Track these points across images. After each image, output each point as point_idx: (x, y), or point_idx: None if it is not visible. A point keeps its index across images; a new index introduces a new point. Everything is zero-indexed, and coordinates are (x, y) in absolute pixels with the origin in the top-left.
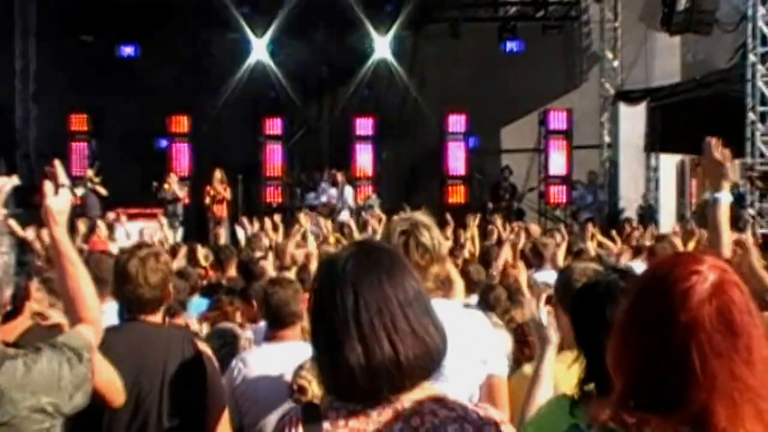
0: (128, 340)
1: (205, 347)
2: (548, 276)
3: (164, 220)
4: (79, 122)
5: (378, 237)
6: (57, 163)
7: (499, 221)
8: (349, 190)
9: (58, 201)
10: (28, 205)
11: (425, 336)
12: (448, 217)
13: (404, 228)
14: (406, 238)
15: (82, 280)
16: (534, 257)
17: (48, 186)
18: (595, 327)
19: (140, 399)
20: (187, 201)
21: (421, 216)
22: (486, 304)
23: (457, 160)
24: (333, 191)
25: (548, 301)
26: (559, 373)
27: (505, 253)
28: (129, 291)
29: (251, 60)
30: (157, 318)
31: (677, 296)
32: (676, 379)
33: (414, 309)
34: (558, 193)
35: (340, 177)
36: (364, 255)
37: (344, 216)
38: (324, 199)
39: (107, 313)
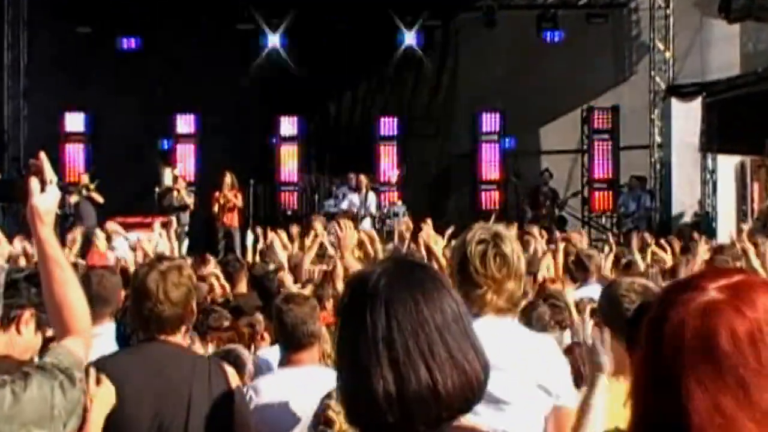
0: (148, 362)
1: (233, 375)
2: (594, 291)
3: (159, 229)
4: (74, 122)
5: (405, 245)
6: (43, 156)
7: (536, 230)
8: (372, 197)
9: (45, 199)
10: (10, 199)
11: (465, 363)
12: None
13: (484, 237)
14: (485, 248)
15: (71, 286)
16: (578, 270)
17: (33, 182)
18: None
19: (162, 431)
20: (192, 208)
21: (502, 227)
22: (527, 325)
23: (491, 163)
24: (355, 197)
25: (592, 314)
26: (611, 405)
27: (546, 266)
28: (148, 308)
29: (264, 53)
30: (177, 338)
31: (670, 313)
32: (666, 407)
33: (453, 333)
34: (603, 199)
35: (364, 181)
36: (399, 272)
37: (366, 224)
38: (344, 206)
39: (104, 335)
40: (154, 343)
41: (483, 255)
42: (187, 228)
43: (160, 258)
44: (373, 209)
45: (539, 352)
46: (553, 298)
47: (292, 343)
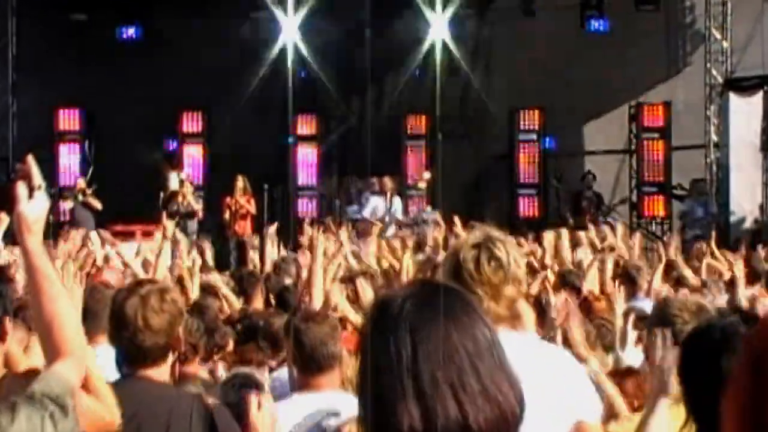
0: (123, 403)
1: (225, 415)
2: (643, 307)
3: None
4: (69, 120)
5: (440, 255)
6: (30, 160)
7: (585, 236)
8: (397, 201)
9: (33, 206)
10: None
11: (498, 395)
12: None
13: (476, 241)
14: (478, 252)
15: (61, 302)
16: (625, 282)
17: (21, 188)
18: (709, 383)
19: None
20: (201, 215)
21: (495, 230)
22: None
23: (530, 164)
24: (380, 202)
25: (635, 325)
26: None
27: (591, 279)
28: (126, 338)
29: (279, 45)
30: (161, 372)
31: None
32: None
33: (485, 362)
34: (653, 204)
35: (388, 184)
36: (425, 296)
37: (390, 233)
38: (367, 213)
39: (101, 358)
40: (131, 380)
41: (477, 259)
42: (195, 236)
43: (140, 282)
44: (399, 215)
45: (552, 363)
46: (599, 317)
47: (311, 365)
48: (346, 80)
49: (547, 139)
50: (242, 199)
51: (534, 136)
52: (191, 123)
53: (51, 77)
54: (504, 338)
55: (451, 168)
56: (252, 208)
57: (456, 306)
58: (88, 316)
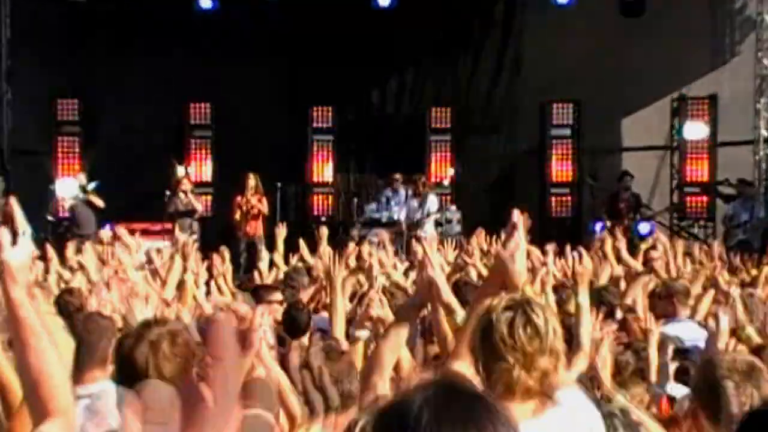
0: None
1: None
2: (683, 330)
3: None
4: (68, 110)
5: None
6: (13, 202)
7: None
8: (432, 198)
9: (16, 254)
10: None
11: None
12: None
13: (512, 303)
14: (513, 315)
15: (48, 357)
16: (663, 299)
17: (4, 234)
18: None
19: None
20: (206, 213)
21: (534, 295)
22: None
23: (562, 161)
24: (413, 201)
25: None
26: None
27: (634, 295)
28: (137, 386)
29: (294, 30)
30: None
31: None
32: None
33: None
34: (697, 206)
35: (422, 183)
36: (444, 401)
37: (428, 230)
38: (386, 213)
39: (103, 399)
40: None
41: (511, 323)
42: (197, 237)
43: (148, 323)
44: (433, 208)
45: None
46: (639, 340)
47: (326, 404)
48: (366, 70)
49: (582, 135)
50: (253, 199)
51: (567, 131)
52: (198, 114)
53: (48, 63)
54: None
55: (478, 165)
56: (264, 207)
57: (479, 412)
58: (82, 348)
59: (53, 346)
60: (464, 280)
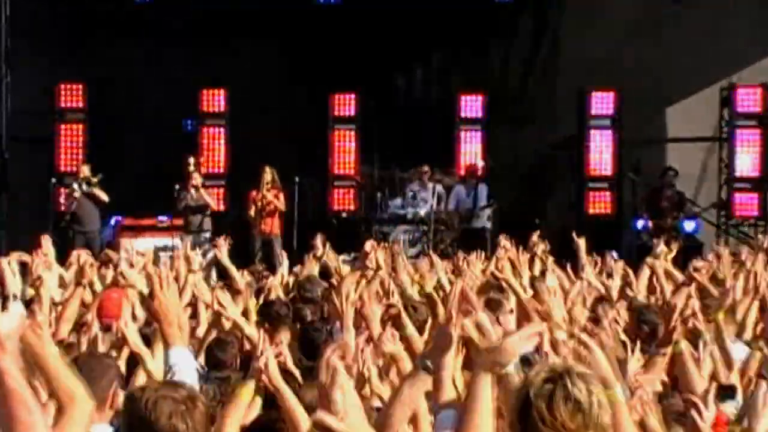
0: None
1: None
2: (735, 352)
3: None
4: (72, 95)
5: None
6: (4, 265)
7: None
8: (483, 189)
9: (6, 321)
10: None
11: None
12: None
13: (550, 375)
14: (552, 389)
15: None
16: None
17: None
18: None
19: None
20: (221, 208)
21: (576, 365)
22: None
23: (602, 154)
24: (461, 190)
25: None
26: None
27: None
28: None
29: (315, 11)
30: None
31: None
32: None
33: None
34: (747, 203)
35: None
36: None
37: (483, 221)
38: (411, 209)
39: None
40: None
41: (550, 398)
42: (210, 236)
43: (161, 385)
44: (483, 201)
45: None
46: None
47: None
48: (391, 54)
49: (623, 125)
50: (269, 194)
51: (607, 122)
52: (211, 101)
53: (50, 46)
54: None
55: (511, 156)
56: (281, 204)
57: None
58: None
59: (43, 419)
60: (497, 299)
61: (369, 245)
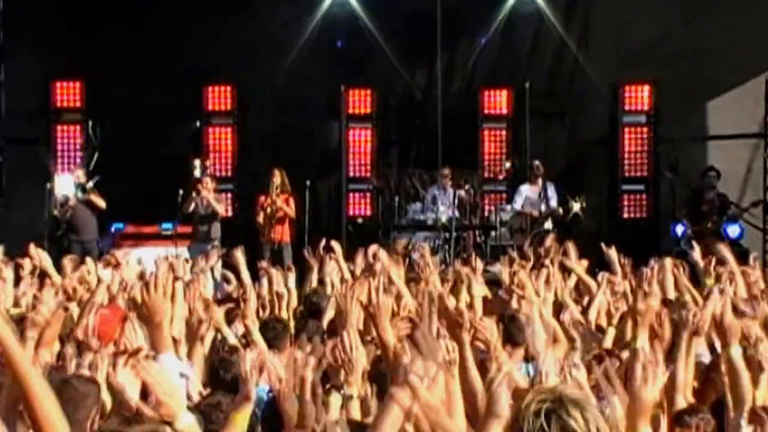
0: None
1: None
2: None
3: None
4: (69, 94)
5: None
6: None
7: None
8: (552, 190)
9: None
10: None
11: None
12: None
13: (540, 406)
14: (546, 422)
15: None
16: None
17: None
18: None
19: None
20: (228, 215)
21: (570, 391)
22: None
23: (636, 151)
24: (532, 191)
25: None
26: None
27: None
28: None
29: (327, 2)
30: None
31: None
32: None
33: None
34: None
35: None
36: None
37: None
38: (431, 214)
39: None
40: None
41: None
42: (218, 244)
43: (131, 419)
44: (554, 203)
45: None
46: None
47: None
48: (410, 45)
49: (659, 121)
50: (279, 199)
51: (643, 118)
52: (219, 100)
53: (46, 42)
54: None
55: (539, 155)
56: (290, 210)
57: None
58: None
59: None
60: (510, 314)
61: (372, 250)
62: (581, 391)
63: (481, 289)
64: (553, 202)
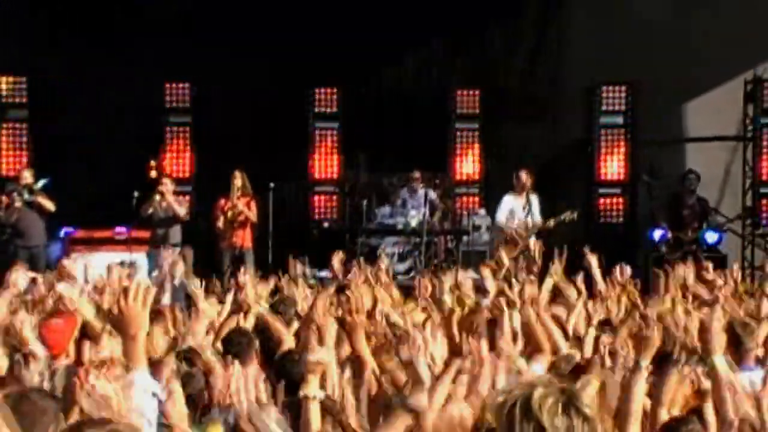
0: None
1: None
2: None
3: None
4: (15, 90)
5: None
6: None
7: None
8: (535, 201)
9: None
10: None
11: None
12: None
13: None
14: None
15: None
16: (729, 346)
17: None
18: None
19: None
20: (186, 218)
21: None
22: None
23: (614, 155)
24: (517, 202)
25: None
26: None
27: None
28: None
29: None
30: None
31: None
32: None
33: None
34: None
35: (527, 179)
36: None
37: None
38: (401, 218)
39: None
40: None
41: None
42: (177, 249)
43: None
44: (537, 217)
45: None
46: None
47: None
48: (379, 44)
49: (637, 123)
50: (240, 202)
51: (620, 120)
52: (177, 96)
53: None
54: None
55: (513, 158)
56: (252, 214)
57: None
58: None
59: None
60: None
61: (337, 259)
62: None
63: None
64: (537, 215)
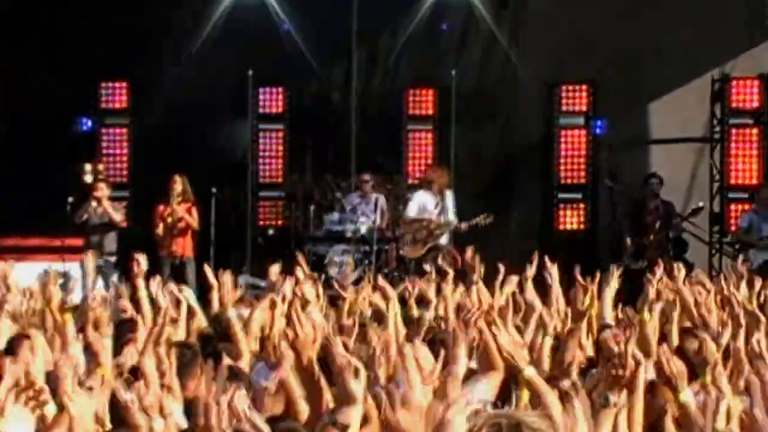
0: None
1: None
2: None
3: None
4: None
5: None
6: None
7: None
8: (450, 197)
9: None
10: None
11: None
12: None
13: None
14: None
15: None
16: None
17: None
18: None
19: None
20: (124, 224)
21: (530, 416)
22: None
23: (573, 157)
24: (429, 198)
25: None
26: None
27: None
28: None
29: None
30: None
31: None
32: None
33: None
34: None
35: (443, 177)
36: None
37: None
38: (351, 225)
39: None
40: None
41: None
42: (114, 259)
43: None
44: (451, 215)
45: None
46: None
47: None
48: (327, 41)
49: (598, 123)
50: (180, 208)
51: (580, 120)
52: (113, 97)
53: None
54: None
55: (468, 160)
56: (193, 221)
57: None
58: None
59: None
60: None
61: (274, 271)
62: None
63: None
64: (451, 214)
